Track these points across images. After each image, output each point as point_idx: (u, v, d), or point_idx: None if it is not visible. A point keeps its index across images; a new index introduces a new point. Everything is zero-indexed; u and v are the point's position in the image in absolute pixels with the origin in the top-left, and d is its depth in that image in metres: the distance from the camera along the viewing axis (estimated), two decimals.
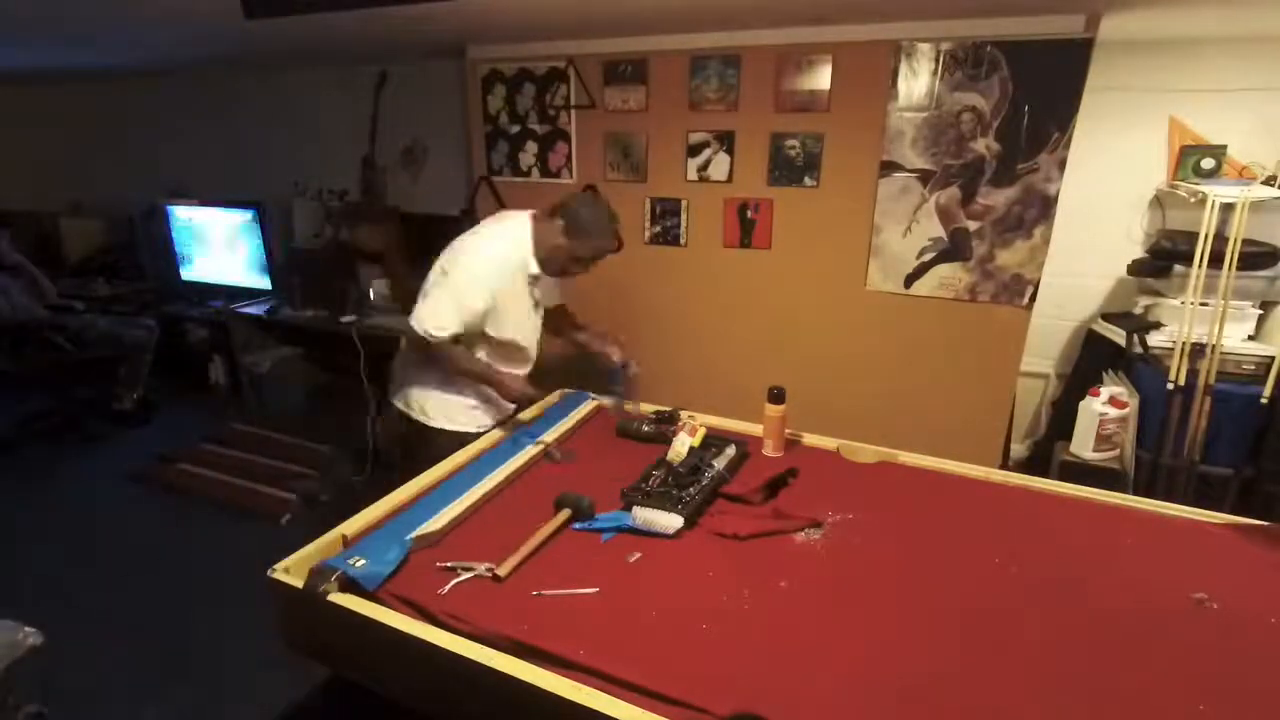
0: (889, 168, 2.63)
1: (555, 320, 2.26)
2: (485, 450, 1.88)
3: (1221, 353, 2.45)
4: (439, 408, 2.03)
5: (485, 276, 1.88)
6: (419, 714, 1.28)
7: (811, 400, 2.31)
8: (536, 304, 2.06)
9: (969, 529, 1.55)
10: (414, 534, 1.42)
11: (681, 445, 1.77)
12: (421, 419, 2.04)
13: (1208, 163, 2.57)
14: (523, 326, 2.04)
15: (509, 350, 2.05)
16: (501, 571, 1.34)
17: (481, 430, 2.02)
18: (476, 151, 3.39)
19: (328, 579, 1.28)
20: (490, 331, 1.95)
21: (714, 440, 1.86)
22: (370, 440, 3.27)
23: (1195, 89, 2.64)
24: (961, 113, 2.49)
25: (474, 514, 1.57)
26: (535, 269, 1.95)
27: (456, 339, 1.91)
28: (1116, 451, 2.62)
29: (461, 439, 1.96)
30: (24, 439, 3.68)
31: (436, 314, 1.86)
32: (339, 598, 1.27)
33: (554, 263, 1.98)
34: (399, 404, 2.09)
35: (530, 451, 1.84)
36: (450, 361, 1.95)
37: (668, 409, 2.09)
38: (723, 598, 1.31)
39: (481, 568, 1.35)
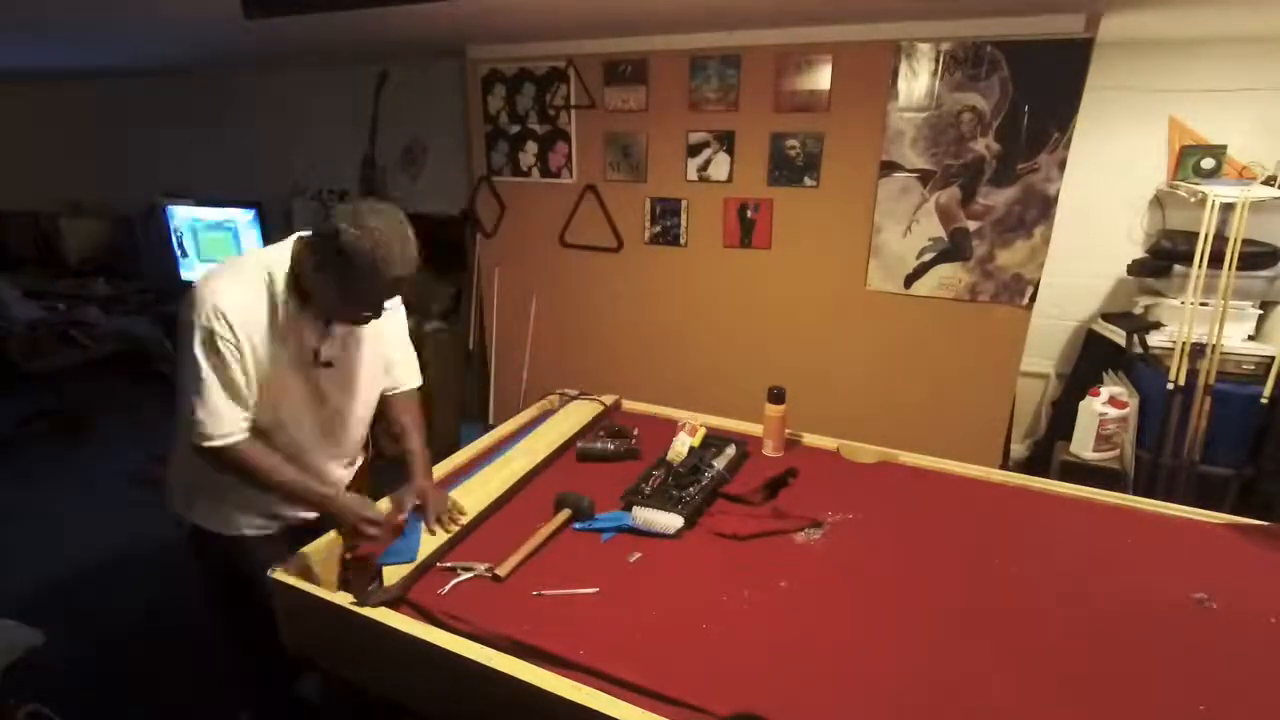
0: (889, 168, 2.63)
1: (390, 409, 1.61)
2: (483, 455, 1.88)
3: (1221, 353, 2.45)
4: (219, 507, 1.46)
5: (227, 324, 1.24)
6: (419, 714, 1.28)
7: (811, 400, 2.32)
8: (327, 363, 1.38)
9: (969, 529, 1.55)
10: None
11: (681, 445, 1.77)
12: (203, 523, 1.48)
13: (1208, 163, 2.57)
14: (306, 406, 1.40)
15: (282, 438, 1.40)
16: (501, 571, 1.34)
17: (259, 533, 1.48)
18: (476, 151, 3.39)
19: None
20: (262, 414, 1.34)
21: (714, 440, 1.86)
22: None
23: (1195, 89, 2.64)
24: (961, 113, 2.49)
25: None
26: (282, 294, 1.29)
27: (239, 434, 1.29)
28: (1116, 451, 2.62)
29: (260, 546, 1.46)
30: (24, 439, 3.68)
31: (204, 407, 1.25)
32: (337, 597, 1.27)
33: (319, 298, 1.30)
34: (177, 501, 1.51)
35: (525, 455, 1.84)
36: (251, 472, 1.32)
37: (618, 426, 1.95)
38: (723, 598, 1.31)
39: (481, 568, 1.35)
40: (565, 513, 1.54)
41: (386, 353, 1.56)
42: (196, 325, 1.23)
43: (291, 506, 1.47)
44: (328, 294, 1.27)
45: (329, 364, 1.39)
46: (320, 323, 1.35)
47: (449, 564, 1.37)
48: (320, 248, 1.23)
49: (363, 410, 1.54)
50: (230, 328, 1.24)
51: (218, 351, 1.24)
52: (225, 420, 1.26)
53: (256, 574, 1.35)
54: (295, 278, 1.29)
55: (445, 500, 1.51)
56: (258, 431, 1.34)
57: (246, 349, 1.26)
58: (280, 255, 1.31)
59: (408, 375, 1.63)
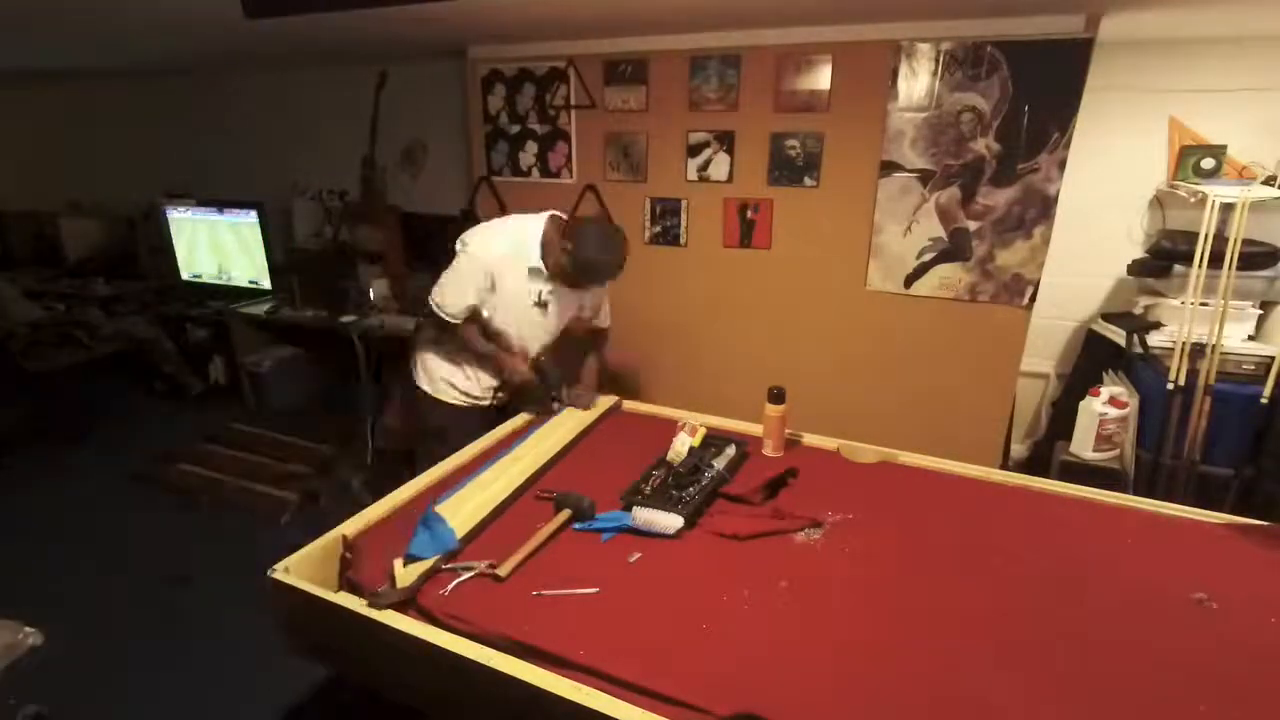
0: (889, 168, 2.63)
1: (585, 341, 2.39)
2: (485, 455, 1.88)
3: (1221, 353, 2.44)
4: (435, 379, 2.23)
5: (482, 262, 2.02)
6: (419, 714, 1.28)
7: (811, 400, 2.31)
8: (543, 304, 2.08)
9: (969, 529, 1.55)
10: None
11: (681, 445, 1.78)
12: (426, 388, 2.24)
13: (1208, 163, 2.57)
14: (519, 321, 2.11)
15: (502, 341, 2.15)
16: (502, 571, 1.34)
17: (471, 404, 2.24)
18: (476, 151, 3.38)
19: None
20: (486, 314, 2.09)
21: (714, 440, 1.86)
22: (370, 440, 3.27)
23: (1195, 89, 2.64)
24: (961, 113, 2.49)
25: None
26: (536, 262, 2.02)
27: (458, 317, 2.07)
28: (1116, 451, 2.62)
29: (456, 411, 2.21)
30: (24, 439, 3.68)
31: (441, 291, 2.06)
32: (339, 598, 1.27)
33: (556, 268, 2.02)
34: (414, 373, 2.28)
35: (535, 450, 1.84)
36: (458, 336, 2.13)
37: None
38: (723, 598, 1.31)
39: (482, 566, 1.36)
40: (565, 513, 1.54)
41: (585, 307, 2.26)
42: (463, 251, 2.04)
43: (479, 379, 2.21)
44: (560, 268, 1.99)
45: (544, 305, 2.09)
46: (548, 280, 2.05)
47: (450, 564, 1.37)
48: (565, 245, 1.95)
49: (554, 333, 2.23)
50: (481, 263, 2.01)
51: (463, 272, 2.02)
52: (447, 305, 2.05)
53: (441, 425, 2.20)
54: (543, 247, 2.00)
55: (588, 400, 2.19)
56: (497, 337, 2.14)
57: (490, 281, 2.01)
58: (536, 227, 2.02)
59: (602, 321, 2.37)
